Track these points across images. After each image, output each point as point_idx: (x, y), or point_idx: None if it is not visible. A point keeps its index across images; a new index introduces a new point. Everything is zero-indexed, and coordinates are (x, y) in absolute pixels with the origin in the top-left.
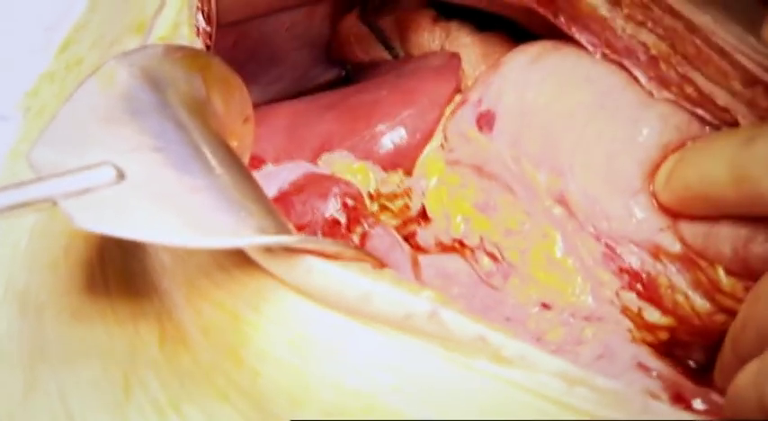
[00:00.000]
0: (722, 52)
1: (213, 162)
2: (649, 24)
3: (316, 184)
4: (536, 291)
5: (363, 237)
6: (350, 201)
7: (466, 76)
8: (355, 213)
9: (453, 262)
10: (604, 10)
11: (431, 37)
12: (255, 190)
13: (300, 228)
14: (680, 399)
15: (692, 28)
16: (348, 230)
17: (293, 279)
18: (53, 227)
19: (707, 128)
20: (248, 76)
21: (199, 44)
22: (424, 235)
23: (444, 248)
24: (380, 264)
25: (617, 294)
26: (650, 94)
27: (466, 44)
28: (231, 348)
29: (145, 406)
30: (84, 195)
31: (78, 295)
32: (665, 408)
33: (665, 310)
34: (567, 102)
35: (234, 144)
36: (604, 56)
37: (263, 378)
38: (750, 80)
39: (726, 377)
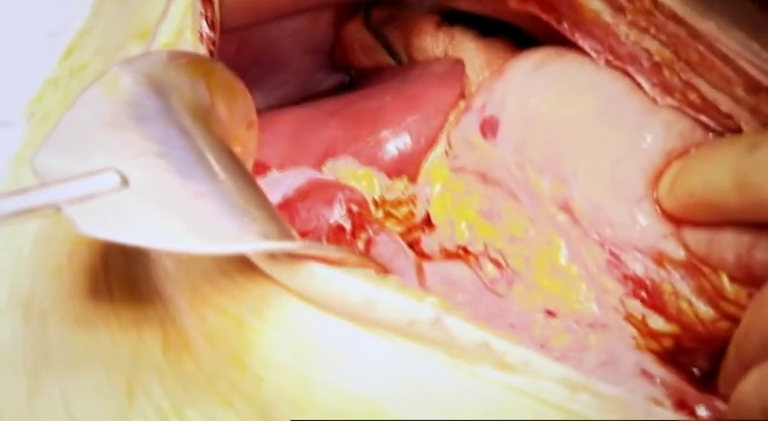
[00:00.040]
0: (725, 59)
1: (216, 168)
2: (653, 31)
3: (320, 191)
4: (540, 297)
5: (368, 243)
6: (355, 208)
7: (470, 82)
8: (360, 220)
9: (457, 269)
10: (608, 16)
11: (434, 42)
12: (259, 196)
13: (305, 235)
14: (683, 406)
15: (695, 34)
16: (353, 237)
17: (297, 285)
18: (57, 233)
19: (710, 134)
20: (252, 82)
21: (202, 50)
22: (429, 241)
23: (448, 255)
24: (384, 270)
25: (621, 301)
26: (654, 100)
27: (469, 50)
28: (235, 354)
29: (148, 412)
30: (87, 201)
31: (82, 301)
32: (668, 415)
33: (669, 317)
34: (570, 108)
35: (237, 150)
36: (608, 62)
37: (267, 384)
38: (753, 87)
39: (730, 384)
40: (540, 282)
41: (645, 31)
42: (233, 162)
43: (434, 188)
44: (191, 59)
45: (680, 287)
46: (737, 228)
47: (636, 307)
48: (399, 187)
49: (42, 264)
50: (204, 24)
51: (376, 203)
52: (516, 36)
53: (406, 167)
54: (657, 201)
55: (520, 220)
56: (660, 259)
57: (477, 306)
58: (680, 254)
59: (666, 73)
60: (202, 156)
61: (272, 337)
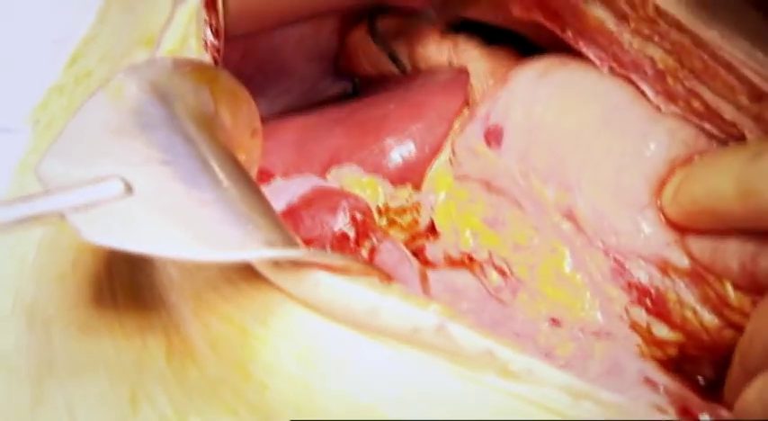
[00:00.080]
0: (729, 67)
1: (221, 175)
2: (656, 39)
3: (325, 198)
4: (545, 306)
5: (372, 251)
6: (359, 216)
7: (474, 90)
8: (364, 227)
9: (462, 277)
10: (611, 24)
11: (438, 50)
12: (263, 203)
13: (309, 242)
14: (686, 414)
15: (699, 43)
16: (357, 244)
17: (301, 292)
18: (61, 240)
19: (714, 142)
20: (256, 89)
21: (207, 58)
22: (433, 249)
23: (453, 263)
24: (388, 278)
25: (626, 309)
26: (658, 108)
27: (473, 58)
28: (239, 362)
29: (152, 420)
30: (92, 208)
31: (86, 309)
32: None
33: (673, 326)
34: (574, 116)
35: (242, 157)
36: (611, 70)
37: (271, 391)
38: (757, 95)
39: (734, 392)
40: (545, 290)
41: (648, 38)
42: (237, 169)
43: (439, 196)
44: (195, 67)
45: (684, 295)
46: (741, 237)
47: (640, 315)
48: (404, 195)
49: (46, 271)
50: (209, 32)
51: (380, 211)
52: (520, 44)
53: (411, 175)
54: (661, 209)
55: (524, 229)
56: (664, 267)
57: (481, 314)
58: (684, 262)
59: (670, 81)
60: (206, 163)
61: (276, 345)
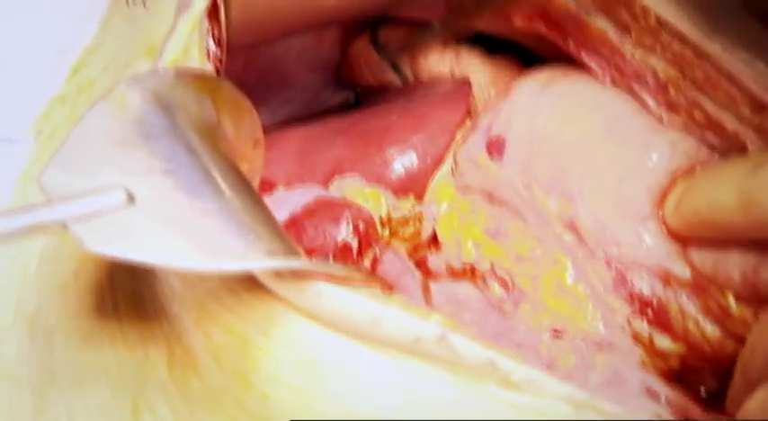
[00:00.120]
0: (731, 78)
1: (223, 186)
2: (658, 49)
3: (327, 209)
4: (547, 317)
5: (374, 261)
6: (362, 226)
7: (475, 101)
8: (367, 238)
9: (464, 288)
10: (613, 35)
11: (440, 61)
12: (265, 213)
13: (312, 252)
14: None
15: (701, 54)
16: (359, 255)
17: (303, 303)
18: (63, 250)
19: (715, 153)
20: (258, 99)
21: (209, 67)
22: (435, 260)
23: (455, 274)
24: (390, 288)
25: (628, 321)
26: (660, 118)
27: (475, 68)
28: (241, 372)
29: None
30: (94, 218)
31: (88, 319)
32: None
33: (675, 337)
34: (576, 128)
35: (244, 167)
36: (613, 80)
37: (273, 401)
38: (758, 106)
39: (736, 403)
40: (547, 301)
41: (650, 49)
42: (239, 180)
43: (441, 207)
44: (198, 77)
45: (686, 306)
46: (743, 248)
47: (642, 326)
48: (406, 206)
49: (48, 281)
50: (211, 42)
51: (383, 222)
52: (522, 54)
53: (413, 186)
54: (663, 220)
55: (526, 240)
56: (666, 278)
57: (483, 325)
58: (686, 273)
59: (672, 91)
60: (209, 173)
61: (277, 355)
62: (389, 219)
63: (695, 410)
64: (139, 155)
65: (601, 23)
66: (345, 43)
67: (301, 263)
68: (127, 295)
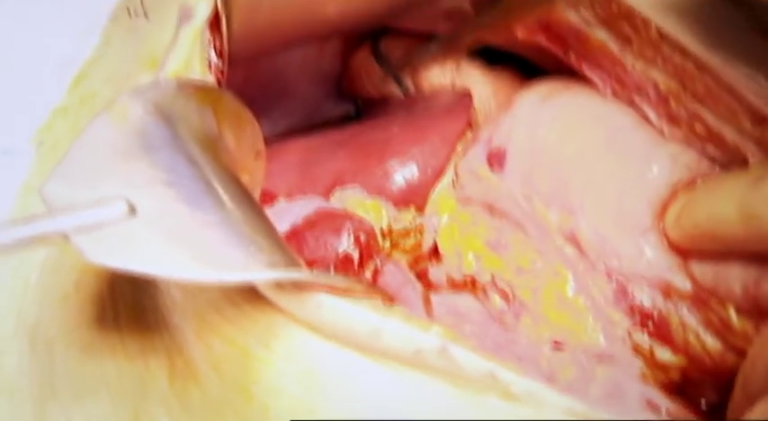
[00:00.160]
0: (731, 91)
1: (224, 197)
2: (659, 62)
3: (328, 220)
4: (548, 330)
5: (375, 273)
6: (363, 237)
7: (476, 112)
8: (368, 249)
9: (464, 300)
10: (614, 47)
11: (441, 72)
12: (266, 225)
13: (313, 264)
14: None
15: (701, 66)
16: (360, 266)
17: (304, 314)
18: (64, 261)
19: (716, 166)
20: (259, 111)
21: (211, 79)
22: (436, 272)
23: (456, 285)
24: (391, 300)
25: (628, 333)
26: (661, 131)
27: (476, 79)
28: (241, 384)
29: None
30: (95, 230)
31: (88, 330)
32: None
33: (676, 349)
34: (577, 140)
35: (245, 179)
36: (614, 93)
37: (274, 413)
38: (759, 119)
39: (737, 416)
40: (548, 313)
41: (651, 62)
42: (240, 191)
43: (442, 219)
44: (199, 88)
45: (687, 319)
46: (744, 261)
47: (643, 338)
48: (407, 217)
49: (49, 292)
50: (213, 53)
51: (383, 233)
52: (523, 66)
53: (414, 198)
54: (664, 233)
55: (527, 252)
56: (667, 291)
57: (484, 338)
58: (687, 285)
59: (673, 104)
60: (210, 185)
61: (278, 367)
62: (390, 231)
63: None
64: (141, 166)
65: (602, 36)
66: (346, 55)
67: (302, 274)
68: (128, 306)
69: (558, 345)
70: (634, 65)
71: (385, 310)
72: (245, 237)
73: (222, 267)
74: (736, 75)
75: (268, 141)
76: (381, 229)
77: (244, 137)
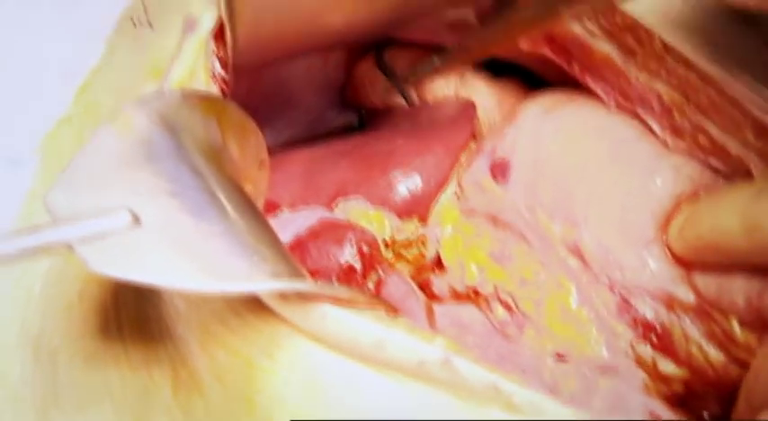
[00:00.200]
0: (735, 103)
1: (228, 207)
2: (663, 74)
3: (332, 231)
4: (551, 342)
5: (378, 284)
6: (366, 248)
7: (480, 123)
8: (371, 260)
9: (468, 311)
10: (618, 59)
11: (445, 83)
12: (269, 235)
13: (316, 274)
14: None
15: (705, 79)
16: (363, 277)
17: (307, 325)
18: (68, 271)
19: (719, 178)
20: (263, 120)
21: (215, 89)
22: (439, 283)
23: (458, 297)
24: (394, 311)
25: (631, 345)
26: (664, 142)
27: (480, 90)
28: (245, 394)
29: None
30: (99, 240)
31: (92, 340)
32: None
33: (679, 361)
34: (580, 152)
35: (249, 189)
36: (618, 104)
37: None
38: (763, 131)
39: None
40: (551, 325)
41: (655, 74)
42: (244, 201)
43: (445, 230)
44: (203, 99)
45: (690, 331)
46: (747, 273)
47: (646, 351)
48: (410, 228)
49: (53, 302)
50: (217, 64)
51: (386, 244)
52: (527, 77)
53: (417, 208)
54: (667, 245)
55: (530, 264)
56: (670, 303)
57: (487, 349)
58: (690, 298)
59: (676, 116)
60: (214, 195)
61: (282, 377)
62: (393, 242)
63: None
64: (145, 176)
65: (606, 47)
66: (350, 65)
67: (306, 285)
68: (131, 316)
69: (561, 357)
70: (638, 77)
71: (388, 321)
72: (248, 248)
73: (226, 277)
74: (739, 87)
75: (271, 151)
76: (384, 240)
77: (248, 147)
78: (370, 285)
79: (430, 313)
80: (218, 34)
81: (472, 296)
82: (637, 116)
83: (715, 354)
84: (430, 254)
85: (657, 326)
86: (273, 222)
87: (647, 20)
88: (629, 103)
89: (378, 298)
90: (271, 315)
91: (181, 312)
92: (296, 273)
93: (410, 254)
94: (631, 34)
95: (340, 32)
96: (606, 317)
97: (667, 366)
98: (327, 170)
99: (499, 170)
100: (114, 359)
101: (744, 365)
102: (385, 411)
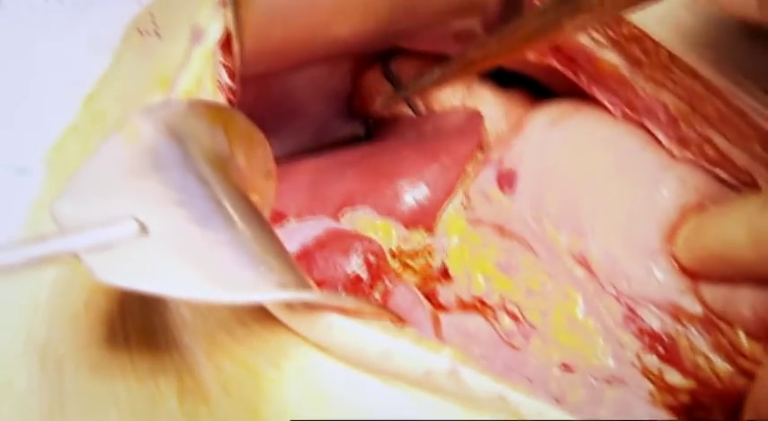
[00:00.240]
0: (742, 114)
1: (235, 217)
2: (670, 85)
3: (338, 241)
4: (557, 352)
5: (385, 294)
6: (372, 258)
7: (487, 133)
8: (377, 270)
9: (474, 321)
10: (625, 69)
11: (452, 93)
12: (276, 245)
13: (322, 284)
14: None
15: (712, 90)
16: (370, 287)
17: (314, 335)
18: (74, 280)
19: (726, 189)
20: (269, 129)
21: (222, 99)
22: (446, 293)
23: (465, 307)
24: (401, 321)
25: (638, 356)
26: (671, 153)
27: (487, 100)
28: (251, 404)
29: None
30: (106, 249)
31: (98, 349)
32: None
33: (685, 372)
34: (587, 162)
35: (255, 199)
36: (624, 115)
37: None
38: None
39: None
40: (558, 336)
41: (662, 84)
42: (251, 211)
43: (452, 240)
44: (210, 108)
45: (697, 342)
46: (754, 284)
47: (652, 361)
48: (417, 238)
49: (59, 311)
50: (224, 73)
51: (393, 254)
52: (533, 87)
53: (424, 219)
54: (673, 256)
55: (537, 274)
56: (677, 314)
57: (493, 359)
58: (696, 309)
59: (683, 126)
60: (221, 205)
61: (288, 388)
62: (400, 252)
63: None
64: (152, 185)
65: (612, 58)
66: (357, 74)
67: (312, 295)
68: (138, 326)
69: (567, 367)
70: (644, 87)
71: (395, 332)
72: (255, 257)
73: (232, 287)
74: (745, 98)
75: (278, 161)
76: (391, 250)
77: (255, 157)
78: (377, 295)
79: (436, 323)
80: (226, 44)
81: (479, 306)
82: (643, 126)
83: (721, 365)
84: (436, 264)
85: (664, 337)
86: (280, 232)
87: (654, 30)
88: (636, 113)
89: (384, 308)
90: (277, 325)
91: (187, 322)
92: (302, 284)
93: (417, 264)
94: (638, 45)
95: (347, 42)
96: (613, 327)
97: (674, 377)
98: (334, 180)
99: (506, 180)
100: (120, 368)
101: (750, 376)
102: None
